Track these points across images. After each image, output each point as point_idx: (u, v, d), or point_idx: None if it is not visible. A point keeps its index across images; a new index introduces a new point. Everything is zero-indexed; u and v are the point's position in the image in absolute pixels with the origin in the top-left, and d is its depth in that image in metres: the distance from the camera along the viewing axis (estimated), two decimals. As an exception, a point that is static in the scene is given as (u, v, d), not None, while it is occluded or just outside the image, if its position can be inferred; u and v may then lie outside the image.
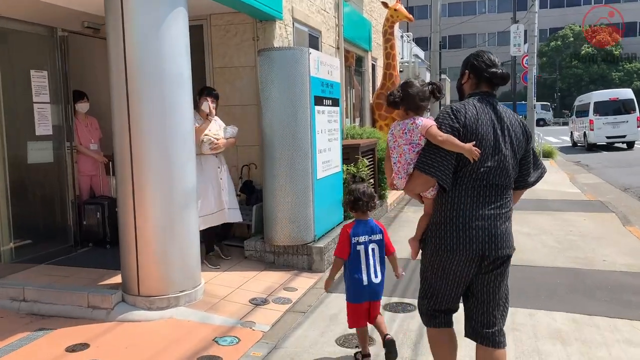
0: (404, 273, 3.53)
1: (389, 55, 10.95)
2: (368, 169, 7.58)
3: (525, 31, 19.87)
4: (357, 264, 3.35)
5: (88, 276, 5.29)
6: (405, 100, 2.63)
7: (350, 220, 3.58)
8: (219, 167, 5.63)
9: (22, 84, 5.65)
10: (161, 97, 4.42)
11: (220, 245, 6.01)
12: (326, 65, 6.27)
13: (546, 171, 2.97)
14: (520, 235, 7.34)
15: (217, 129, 5.66)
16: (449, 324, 2.84)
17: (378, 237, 3.42)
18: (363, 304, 3.42)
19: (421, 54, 24.98)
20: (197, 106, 5.40)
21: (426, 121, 2.56)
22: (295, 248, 5.77)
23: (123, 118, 4.44)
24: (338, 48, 8.88)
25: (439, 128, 2.52)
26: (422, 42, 28.50)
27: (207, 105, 5.52)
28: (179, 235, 4.60)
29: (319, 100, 5.96)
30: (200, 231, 5.09)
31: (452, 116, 2.54)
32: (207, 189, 5.48)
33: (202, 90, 5.61)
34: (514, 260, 2.87)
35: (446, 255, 2.58)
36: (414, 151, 2.56)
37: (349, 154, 7.54)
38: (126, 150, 4.46)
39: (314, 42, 7.94)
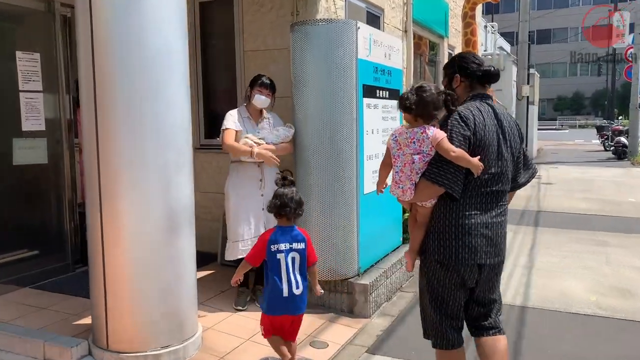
0: (322, 291, 3.37)
1: (469, 42, 9.35)
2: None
3: (632, 24, 17.33)
4: (278, 273, 3.14)
5: (67, 310, 4.19)
6: (419, 106, 2.50)
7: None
8: (260, 180, 4.28)
9: (6, 69, 4.64)
10: (135, 81, 3.19)
11: (256, 289, 4.52)
12: (382, 47, 4.84)
13: (537, 171, 2.99)
14: (630, 271, 5.58)
15: (269, 131, 4.34)
16: (461, 342, 2.74)
17: (300, 245, 3.21)
18: (282, 317, 3.21)
19: (507, 47, 22.78)
20: (248, 101, 4.39)
21: (437, 132, 2.45)
22: (332, 284, 4.40)
23: (90, 109, 3.26)
24: (406, 31, 7.40)
25: (450, 137, 2.45)
26: (507, 37, 26.17)
27: (262, 99, 4.30)
28: (163, 269, 3.37)
29: (369, 91, 4.55)
30: (233, 260, 4.26)
31: (462, 123, 2.47)
32: (243, 206, 4.23)
33: (254, 81, 4.39)
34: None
35: (453, 264, 2.54)
36: (423, 161, 2.49)
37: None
38: (93, 152, 3.28)
39: (374, 22, 6.52)
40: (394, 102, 5.17)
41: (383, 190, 2.82)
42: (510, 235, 7.33)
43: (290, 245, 3.18)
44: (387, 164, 2.71)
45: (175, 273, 3.43)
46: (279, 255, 3.14)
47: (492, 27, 17.79)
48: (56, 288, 4.71)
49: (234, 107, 5.52)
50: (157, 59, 3.25)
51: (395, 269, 5.00)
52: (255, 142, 4.15)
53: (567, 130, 41.63)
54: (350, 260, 4.37)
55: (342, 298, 4.42)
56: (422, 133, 2.46)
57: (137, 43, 3.18)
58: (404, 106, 2.55)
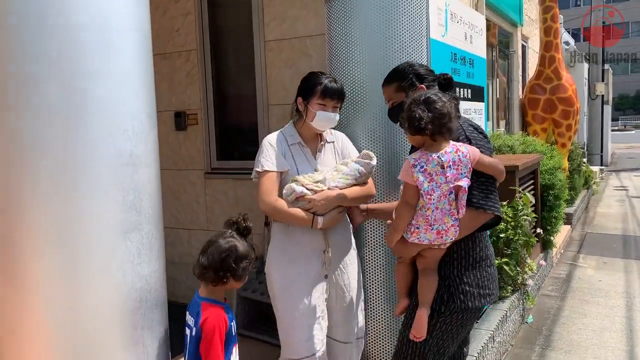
0: None
1: (549, 30, 7.62)
2: (531, 210, 4.45)
3: None
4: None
5: None
6: (436, 124, 1.99)
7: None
8: (324, 252, 2.49)
9: None
10: (40, 80, 1.78)
11: None
12: (462, 24, 3.31)
13: None
14: None
15: (334, 167, 2.53)
16: None
17: (191, 322, 2.01)
18: None
19: (571, 41, 20.64)
20: (298, 116, 2.54)
21: (470, 148, 2.05)
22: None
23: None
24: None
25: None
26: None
27: (328, 117, 2.45)
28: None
29: (446, 89, 3.02)
30: None
31: (481, 135, 2.18)
32: (297, 295, 2.47)
33: (310, 85, 2.47)
34: None
35: (478, 305, 2.15)
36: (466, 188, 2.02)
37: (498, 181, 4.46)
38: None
39: None
40: (479, 106, 3.62)
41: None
42: (621, 277, 5.59)
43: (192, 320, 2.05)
44: (408, 205, 2.09)
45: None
46: (187, 331, 2.06)
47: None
48: None
49: (254, 117, 4.09)
50: (82, 39, 1.82)
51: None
52: (310, 189, 2.36)
53: (632, 132, 38.61)
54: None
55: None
56: (455, 152, 2.03)
57: (41, 15, 1.76)
58: (417, 128, 2.01)
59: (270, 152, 2.44)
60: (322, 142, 2.54)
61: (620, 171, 15.43)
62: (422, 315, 2.13)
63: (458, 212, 2.02)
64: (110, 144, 1.90)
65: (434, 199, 2.02)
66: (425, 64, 2.80)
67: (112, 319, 1.93)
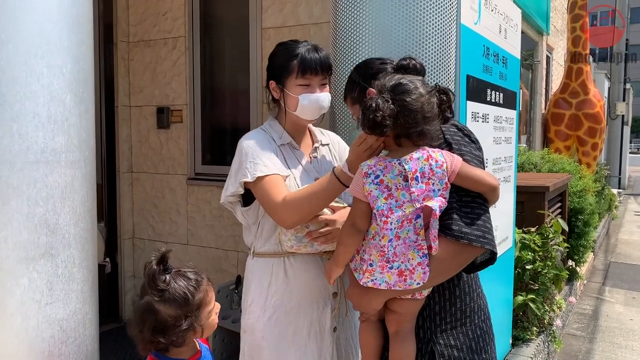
0: None
1: (577, 40, 7.07)
2: (561, 238, 3.84)
3: None
4: None
5: None
6: (402, 120, 1.41)
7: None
8: (335, 295, 1.84)
9: None
10: None
11: None
12: (496, 13, 2.74)
13: None
14: None
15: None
16: None
17: None
18: None
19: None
20: (277, 109, 1.88)
21: (448, 155, 1.46)
22: None
23: None
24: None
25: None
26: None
27: (316, 99, 1.79)
28: None
29: (477, 90, 2.47)
30: None
31: (467, 138, 1.58)
32: (292, 351, 1.78)
33: (285, 59, 1.78)
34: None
35: None
36: (442, 209, 1.40)
37: (525, 204, 3.87)
38: None
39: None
40: (511, 114, 3.06)
41: (335, 280, 1.67)
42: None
43: None
44: (353, 229, 1.48)
45: None
46: None
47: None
48: None
49: (246, 116, 3.54)
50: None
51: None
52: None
53: (646, 155, 37.88)
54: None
55: None
56: (425, 160, 1.42)
57: None
58: (371, 123, 1.39)
59: (258, 153, 1.71)
60: (316, 145, 1.89)
61: (638, 195, 14.79)
62: None
63: (430, 247, 1.42)
64: (11, 133, 1.33)
65: (391, 223, 1.41)
66: (456, 54, 2.23)
67: (4, 383, 1.36)
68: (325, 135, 1.95)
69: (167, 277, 1.30)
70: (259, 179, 1.67)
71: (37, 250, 1.39)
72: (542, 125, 7.55)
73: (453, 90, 1.86)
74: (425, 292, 1.52)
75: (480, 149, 1.61)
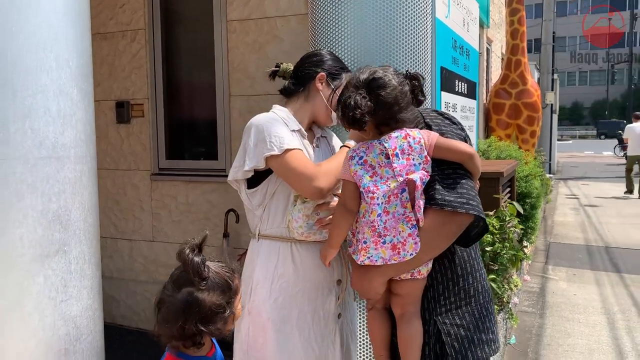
0: None
1: (516, 33, 7.42)
2: (516, 220, 4.06)
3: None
4: None
5: None
6: (379, 112, 1.52)
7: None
8: (339, 282, 1.89)
9: None
10: None
11: None
12: (461, 7, 2.87)
13: None
14: None
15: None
16: None
17: None
18: None
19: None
20: (304, 100, 1.90)
21: (424, 132, 1.57)
22: None
23: None
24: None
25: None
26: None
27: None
28: None
29: (448, 81, 2.57)
30: None
31: (448, 120, 1.67)
32: (296, 335, 1.81)
33: (337, 69, 1.90)
34: None
35: (479, 355, 1.60)
36: (423, 182, 1.51)
37: (481, 189, 4.05)
38: None
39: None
40: (472, 104, 3.21)
41: (339, 267, 1.84)
42: (594, 291, 5.34)
43: None
44: (344, 209, 1.59)
45: None
46: None
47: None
48: None
49: (212, 110, 3.52)
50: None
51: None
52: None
53: (570, 142, 40.08)
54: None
55: None
56: (404, 138, 1.53)
57: None
58: (351, 119, 1.50)
59: (279, 128, 1.73)
60: (318, 136, 1.94)
61: (567, 179, 15.67)
62: None
63: (418, 220, 1.50)
64: (24, 129, 1.31)
65: (378, 198, 1.50)
66: (432, 47, 2.34)
67: (23, 381, 1.34)
68: (323, 129, 2.01)
69: (209, 264, 1.32)
70: (287, 151, 1.70)
71: (52, 247, 1.37)
72: (484, 115, 7.90)
73: (429, 81, 1.96)
74: (425, 271, 1.58)
75: (462, 129, 1.70)
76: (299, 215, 1.74)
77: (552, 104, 14.68)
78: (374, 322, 1.66)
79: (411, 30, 2.25)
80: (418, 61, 2.28)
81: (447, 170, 1.54)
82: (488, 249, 3.68)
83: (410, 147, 1.51)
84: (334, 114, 1.85)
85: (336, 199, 1.76)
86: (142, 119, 3.78)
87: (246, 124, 1.81)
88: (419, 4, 2.26)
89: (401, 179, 1.48)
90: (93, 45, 3.83)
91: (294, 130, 1.81)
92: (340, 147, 1.78)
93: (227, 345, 1.73)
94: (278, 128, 1.74)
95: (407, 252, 1.49)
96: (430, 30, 2.34)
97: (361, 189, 1.51)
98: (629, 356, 3.85)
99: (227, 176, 1.88)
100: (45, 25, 1.34)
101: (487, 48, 8.19)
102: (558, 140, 41.35)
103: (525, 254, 4.29)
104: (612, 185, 13.39)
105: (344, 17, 2.25)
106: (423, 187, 1.49)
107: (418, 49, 2.26)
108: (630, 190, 11.60)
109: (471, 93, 3.16)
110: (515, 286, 4.04)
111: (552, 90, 14.88)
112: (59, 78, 1.38)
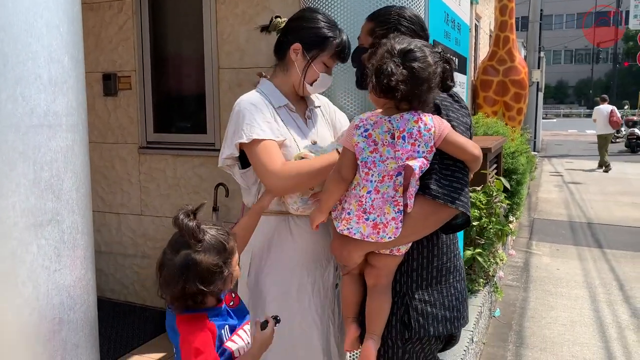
0: None
1: (504, 9, 7.40)
2: (503, 195, 4.10)
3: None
4: None
5: None
6: (410, 85, 1.44)
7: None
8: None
9: None
10: None
11: None
12: (453, -20, 2.85)
13: None
14: None
15: (327, 137, 1.94)
16: None
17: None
18: None
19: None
20: (285, 71, 1.85)
21: (437, 120, 1.50)
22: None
23: None
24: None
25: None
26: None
27: (327, 80, 1.86)
28: None
29: (439, 54, 2.55)
30: None
31: (458, 105, 1.62)
32: (297, 317, 1.83)
33: (319, 32, 1.81)
34: None
35: (441, 330, 1.63)
36: (422, 170, 1.48)
37: (469, 165, 4.09)
38: None
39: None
40: (463, 79, 3.21)
41: (319, 227, 1.71)
42: (577, 265, 5.45)
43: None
44: (338, 177, 1.56)
45: None
46: None
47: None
48: None
49: (201, 82, 3.48)
50: None
51: None
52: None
53: (554, 120, 40.37)
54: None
55: None
56: (415, 121, 1.47)
57: None
58: (387, 88, 1.44)
59: (255, 116, 1.71)
60: (310, 107, 1.92)
61: (551, 157, 15.84)
62: (369, 349, 1.61)
63: (406, 206, 1.49)
64: (14, 96, 1.28)
65: (372, 176, 1.49)
66: (425, 20, 2.32)
67: (17, 350, 1.34)
68: (317, 98, 1.99)
69: (204, 227, 1.33)
70: (255, 141, 1.69)
71: (44, 216, 1.36)
72: (471, 92, 7.91)
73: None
74: (404, 249, 1.61)
75: (469, 115, 1.67)
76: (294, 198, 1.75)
77: (538, 82, 14.73)
78: (347, 287, 1.70)
79: (405, 1, 2.23)
80: (411, 34, 2.26)
81: (447, 160, 1.53)
82: (475, 223, 3.73)
83: (419, 132, 1.46)
84: (309, 86, 1.82)
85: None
86: (130, 92, 3.73)
87: (235, 101, 1.80)
88: (412, -24, 2.23)
89: (401, 162, 1.46)
90: (78, 16, 3.76)
91: (279, 107, 1.80)
92: (334, 149, 1.70)
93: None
94: (254, 114, 1.72)
95: (387, 234, 1.50)
96: (424, 2, 2.33)
97: (359, 162, 1.50)
98: (609, 328, 3.95)
99: (215, 150, 1.88)
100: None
101: (475, 24, 8.18)
102: (543, 118, 41.65)
103: (511, 229, 4.35)
104: (595, 163, 13.57)
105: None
106: (420, 175, 1.47)
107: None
108: (600, 165, 12.62)
109: (462, 68, 3.16)
110: (501, 260, 4.11)
111: (539, 68, 14.92)
112: (49, 45, 1.35)
